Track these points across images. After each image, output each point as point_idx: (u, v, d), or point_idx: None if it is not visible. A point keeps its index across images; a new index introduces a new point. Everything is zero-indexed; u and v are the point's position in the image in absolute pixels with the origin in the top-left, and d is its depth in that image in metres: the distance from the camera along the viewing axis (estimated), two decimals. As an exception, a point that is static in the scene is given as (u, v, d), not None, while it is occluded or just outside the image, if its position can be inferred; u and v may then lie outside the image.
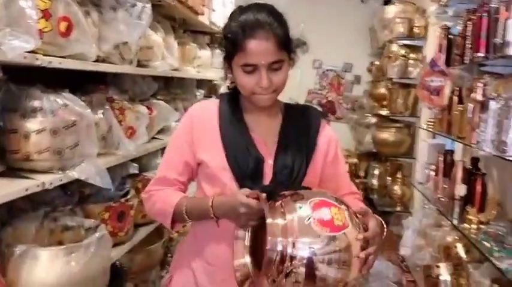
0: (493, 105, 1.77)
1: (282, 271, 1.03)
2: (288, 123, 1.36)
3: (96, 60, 1.88)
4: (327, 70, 6.29)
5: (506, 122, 1.66)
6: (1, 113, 1.58)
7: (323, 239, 1.05)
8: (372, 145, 4.83)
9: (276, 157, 1.30)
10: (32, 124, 1.58)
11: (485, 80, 1.98)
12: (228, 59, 1.31)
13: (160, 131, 2.79)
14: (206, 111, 1.38)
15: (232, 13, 1.34)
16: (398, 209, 4.35)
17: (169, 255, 2.89)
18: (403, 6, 4.29)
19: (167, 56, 2.72)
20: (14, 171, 1.59)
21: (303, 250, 1.03)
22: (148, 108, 2.53)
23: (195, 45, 3.46)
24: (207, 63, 3.74)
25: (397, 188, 4.39)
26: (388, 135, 4.48)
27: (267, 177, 1.28)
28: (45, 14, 1.53)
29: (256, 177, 1.27)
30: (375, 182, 4.80)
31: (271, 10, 1.29)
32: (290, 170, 1.27)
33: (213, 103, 1.41)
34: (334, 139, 1.41)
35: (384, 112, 4.59)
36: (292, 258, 1.03)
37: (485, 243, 1.82)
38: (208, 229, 1.32)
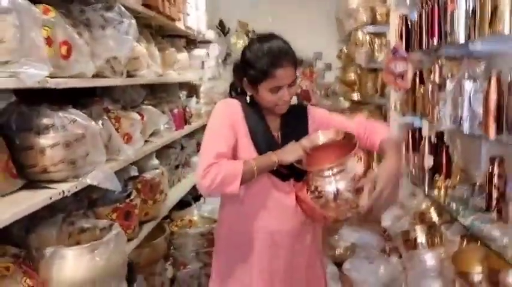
0: (448, 85, 2.04)
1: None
2: (285, 119, 1.73)
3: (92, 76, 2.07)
4: (298, 60, 6.52)
5: (461, 99, 1.92)
6: (16, 133, 1.76)
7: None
8: (347, 128, 5.09)
9: (282, 144, 1.66)
10: (46, 140, 1.76)
11: (440, 63, 2.25)
12: (253, 82, 1.62)
13: (151, 135, 2.98)
14: (234, 107, 1.67)
15: (250, 43, 1.67)
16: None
17: (172, 248, 3.10)
18: (364, -4, 4.55)
19: (151, 63, 2.91)
20: (34, 183, 1.77)
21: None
22: (139, 114, 2.72)
23: (174, 50, 3.64)
24: (185, 66, 3.92)
25: (374, 167, 4.67)
26: (363, 117, 4.74)
27: None
28: (48, 41, 1.70)
29: None
30: (353, 162, 5.07)
31: (283, 39, 1.65)
32: None
33: (236, 102, 1.69)
34: (318, 112, 1.80)
35: (356, 96, 4.86)
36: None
37: (452, 205, 2.09)
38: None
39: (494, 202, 1.89)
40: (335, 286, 3.02)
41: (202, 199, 3.98)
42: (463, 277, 1.98)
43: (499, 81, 1.69)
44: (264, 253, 1.69)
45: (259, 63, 1.58)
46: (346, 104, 5.36)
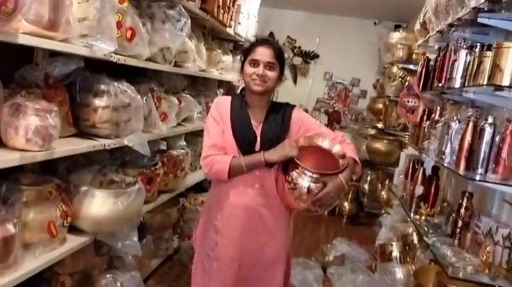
0: (438, 124, 2.35)
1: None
2: (269, 114, 1.98)
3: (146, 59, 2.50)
4: (336, 82, 6.83)
5: (446, 137, 2.22)
6: (79, 91, 2.20)
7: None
8: (366, 153, 5.38)
9: (261, 135, 1.93)
10: (100, 102, 2.19)
11: (442, 105, 2.55)
12: (243, 60, 1.96)
13: (184, 120, 3.40)
14: (224, 103, 2.00)
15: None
16: (383, 212, 4.89)
17: (181, 221, 3.49)
18: (405, 34, 4.85)
19: (197, 59, 3.33)
20: (84, 134, 2.20)
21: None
22: (178, 99, 3.14)
23: (220, 51, 4.06)
24: (228, 67, 4.34)
25: (384, 193, 4.94)
26: (380, 145, 5.05)
27: (257, 148, 1.92)
28: (118, 25, 2.14)
29: (251, 147, 1.91)
30: (366, 186, 5.35)
31: (275, 41, 2.01)
32: (270, 143, 1.91)
33: (228, 99, 2.02)
34: (303, 115, 2.03)
35: (380, 125, 5.15)
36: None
37: (425, 228, 2.38)
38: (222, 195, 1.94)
39: (458, 230, 2.18)
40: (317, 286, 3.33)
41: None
42: (419, 289, 2.27)
43: (475, 126, 1.99)
44: (234, 221, 1.93)
45: (249, 44, 1.99)
46: (371, 131, 5.65)
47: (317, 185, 1.81)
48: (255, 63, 1.90)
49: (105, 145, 2.17)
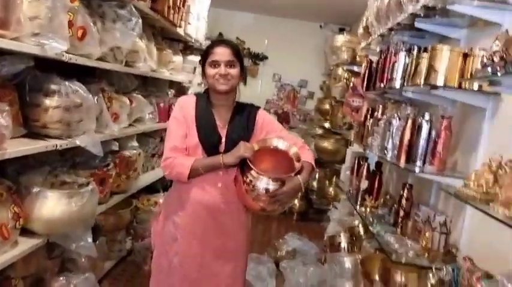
0: (381, 122, 2.52)
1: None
2: (235, 114, 2.02)
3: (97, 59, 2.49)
4: (285, 84, 7.01)
5: (388, 134, 2.39)
6: (28, 91, 2.16)
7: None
8: (315, 152, 5.57)
9: (226, 136, 1.97)
10: (51, 102, 2.16)
11: (384, 104, 2.73)
12: (203, 63, 2.00)
13: (136, 120, 3.39)
14: (188, 103, 2.02)
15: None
16: (331, 207, 5.08)
17: (134, 222, 3.47)
18: (349, 37, 5.07)
19: (148, 59, 3.33)
20: (34, 135, 2.16)
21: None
22: (129, 100, 3.13)
23: (170, 52, 4.07)
24: (179, 68, 4.35)
25: (331, 190, 5.14)
26: (327, 144, 5.25)
27: (222, 148, 1.96)
28: (70, 24, 2.13)
29: (216, 148, 1.95)
30: (315, 184, 5.53)
31: (230, 40, 2.05)
32: (235, 144, 1.94)
33: (192, 98, 2.05)
34: (267, 118, 2.09)
35: (327, 125, 5.35)
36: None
37: (370, 219, 2.54)
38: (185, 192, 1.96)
39: (400, 219, 2.35)
40: (271, 280, 3.43)
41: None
42: (366, 276, 2.42)
43: (414, 123, 2.16)
44: (196, 218, 1.96)
45: (207, 47, 2.04)
46: (319, 131, 5.85)
47: (274, 185, 1.87)
48: (215, 64, 1.95)
49: (57, 145, 2.14)
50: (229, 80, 1.96)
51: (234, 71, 1.97)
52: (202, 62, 2.02)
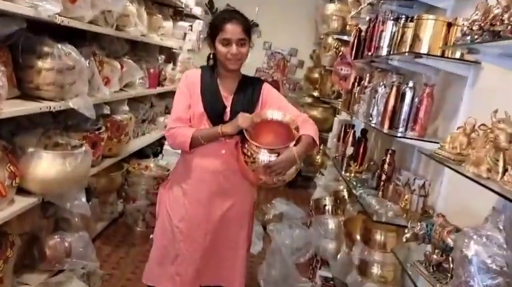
0: (367, 89, 2.60)
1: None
2: (240, 86, 2.06)
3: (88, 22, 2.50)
4: (275, 52, 7.01)
5: (374, 101, 2.47)
6: (21, 53, 2.18)
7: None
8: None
9: (231, 105, 2.02)
10: (44, 64, 2.19)
11: (371, 72, 2.81)
12: (212, 38, 2.01)
13: (126, 85, 3.42)
14: (194, 77, 2.05)
15: (216, 14, 2.08)
16: (317, 174, 5.21)
17: (126, 185, 3.55)
18: (340, 6, 5.08)
19: (138, 23, 3.34)
20: (28, 96, 2.20)
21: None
22: (120, 64, 3.15)
23: (161, 16, 4.07)
24: (169, 33, 4.35)
25: (318, 158, 5.26)
26: (316, 113, 5.33)
27: (227, 117, 2.01)
28: (62, -14, 2.13)
29: (220, 118, 2.00)
30: (302, 152, 5.62)
31: (242, 14, 2.03)
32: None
33: (198, 71, 2.08)
34: (272, 91, 2.12)
35: (316, 94, 5.41)
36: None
37: (354, 183, 2.65)
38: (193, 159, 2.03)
39: (381, 183, 2.46)
40: (258, 242, 3.57)
41: (160, 155, 4.45)
42: (348, 236, 2.55)
43: (398, 90, 2.24)
44: (202, 185, 2.03)
45: (216, 21, 2.00)
46: (308, 100, 5.91)
47: (271, 157, 1.90)
48: (227, 42, 1.94)
49: (51, 107, 2.19)
50: (239, 60, 1.98)
51: (245, 50, 1.98)
52: (212, 35, 2.01)
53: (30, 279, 2.28)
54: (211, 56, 2.11)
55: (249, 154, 1.93)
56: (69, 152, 2.26)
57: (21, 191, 2.14)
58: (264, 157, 1.90)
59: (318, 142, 2.04)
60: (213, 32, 2.00)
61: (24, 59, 2.18)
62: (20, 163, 2.13)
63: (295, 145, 1.93)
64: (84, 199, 2.45)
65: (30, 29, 2.22)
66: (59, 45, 2.23)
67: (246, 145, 1.93)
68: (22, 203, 2.09)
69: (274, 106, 2.07)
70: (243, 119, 1.92)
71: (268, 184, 2.01)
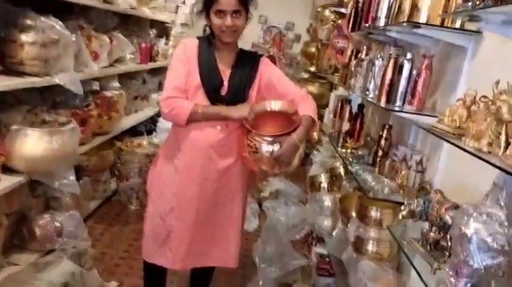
0: (364, 62, 2.51)
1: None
2: (238, 60, 1.99)
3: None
4: (271, 26, 6.86)
5: (370, 74, 2.39)
6: (2, 27, 2.09)
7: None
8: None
9: (229, 79, 1.95)
10: (27, 38, 2.10)
11: (368, 45, 2.71)
12: (207, 10, 1.92)
13: (116, 61, 3.32)
14: (191, 46, 1.97)
15: None
16: (313, 151, 5.16)
17: (118, 163, 3.50)
18: (338, -23, 4.93)
19: (128, -5, 3.22)
20: (11, 72, 2.12)
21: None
22: (109, 38, 3.05)
23: (152, -11, 3.94)
24: (160, 6, 4.23)
25: (315, 134, 5.18)
26: (313, 88, 5.23)
27: (224, 91, 1.94)
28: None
29: (217, 91, 1.93)
30: (299, 129, 5.55)
31: None
32: (237, 88, 1.94)
33: (195, 41, 1.99)
34: (270, 65, 2.06)
35: (312, 69, 5.31)
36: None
37: (350, 159, 2.59)
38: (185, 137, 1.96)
39: (378, 159, 2.40)
40: (254, 220, 3.54)
41: (154, 133, 4.38)
42: (344, 213, 2.51)
43: (396, 62, 2.16)
44: (194, 161, 1.97)
45: None
46: (305, 75, 5.81)
47: (274, 146, 1.87)
48: (221, 14, 1.86)
49: (34, 83, 2.11)
50: (234, 31, 1.90)
51: (240, 22, 1.90)
52: (206, 6, 1.92)
53: (19, 259, 2.24)
54: (206, 28, 2.03)
55: (251, 144, 1.90)
56: (55, 129, 2.19)
57: (7, 169, 2.08)
58: (267, 147, 1.87)
59: (316, 121, 2.01)
60: (208, 2, 1.91)
61: (6, 33, 2.09)
62: (5, 141, 2.06)
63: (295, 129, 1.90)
64: (73, 177, 2.39)
65: (12, 1, 2.12)
66: (42, 18, 2.14)
67: (249, 136, 1.91)
68: (8, 182, 2.04)
69: (273, 81, 2.02)
70: (249, 112, 1.90)
71: (271, 172, 2.00)
